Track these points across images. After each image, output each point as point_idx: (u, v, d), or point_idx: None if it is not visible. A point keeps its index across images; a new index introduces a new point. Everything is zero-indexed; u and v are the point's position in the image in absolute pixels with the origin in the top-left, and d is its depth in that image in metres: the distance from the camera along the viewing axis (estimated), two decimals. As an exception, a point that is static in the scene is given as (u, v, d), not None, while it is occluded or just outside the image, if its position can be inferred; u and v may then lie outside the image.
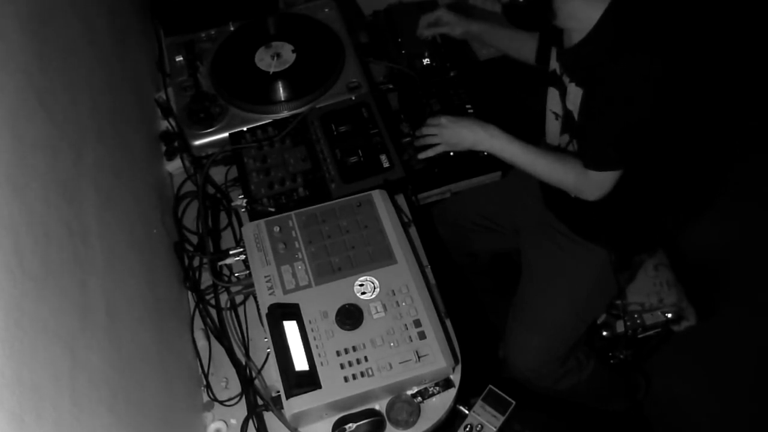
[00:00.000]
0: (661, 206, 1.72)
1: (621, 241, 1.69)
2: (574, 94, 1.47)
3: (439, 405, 1.30)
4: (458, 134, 1.59)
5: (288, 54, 1.76)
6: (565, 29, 1.45)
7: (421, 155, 1.66)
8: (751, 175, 2.62)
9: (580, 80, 1.44)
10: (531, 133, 1.63)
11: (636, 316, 1.87)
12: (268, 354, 1.38)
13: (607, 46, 1.35)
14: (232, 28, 1.87)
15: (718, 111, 2.57)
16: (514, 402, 1.39)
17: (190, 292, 1.51)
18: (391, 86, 1.87)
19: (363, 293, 1.30)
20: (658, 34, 1.33)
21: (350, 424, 1.24)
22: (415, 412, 1.27)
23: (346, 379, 1.20)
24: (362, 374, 1.21)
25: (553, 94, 1.60)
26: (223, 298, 1.49)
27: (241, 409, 1.34)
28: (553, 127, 1.65)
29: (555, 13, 1.37)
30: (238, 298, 1.48)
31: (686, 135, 1.55)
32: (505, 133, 1.57)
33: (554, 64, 1.56)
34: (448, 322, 1.38)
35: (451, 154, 1.66)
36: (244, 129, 1.64)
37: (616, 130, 1.39)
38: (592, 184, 1.49)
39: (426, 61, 1.88)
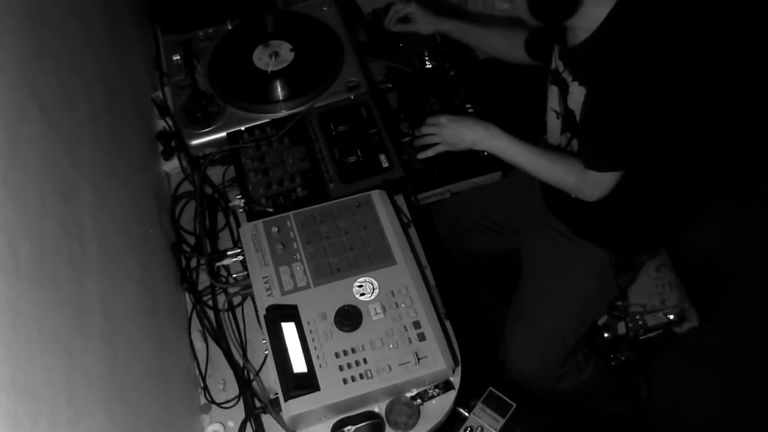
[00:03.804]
0: (661, 207, 1.71)
1: (621, 242, 1.69)
2: (577, 93, 1.46)
3: (438, 407, 1.29)
4: (458, 133, 1.58)
5: (286, 53, 1.75)
6: (570, 27, 1.44)
7: (421, 155, 1.65)
8: (753, 176, 2.62)
9: (584, 80, 1.44)
10: (531, 133, 1.62)
11: (638, 317, 1.86)
12: (266, 356, 1.37)
13: (611, 46, 1.34)
14: (229, 27, 1.85)
15: (719, 111, 2.57)
16: (514, 404, 1.38)
17: (187, 294, 1.50)
18: (390, 85, 1.86)
19: (362, 294, 1.29)
20: (662, 35, 1.33)
21: (349, 427, 1.24)
22: (415, 415, 1.26)
23: (345, 381, 1.19)
24: (361, 376, 1.20)
25: (554, 92, 1.59)
26: (221, 299, 1.47)
27: (239, 412, 1.33)
28: (554, 126, 1.65)
29: (577, 6, 1.34)
30: (236, 300, 1.47)
31: (688, 136, 1.54)
32: (505, 132, 1.56)
33: (556, 62, 1.55)
34: (448, 324, 1.37)
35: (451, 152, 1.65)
36: (242, 128, 1.63)
37: (618, 130, 1.38)
38: (592, 184, 1.48)
39: (426, 60, 1.87)
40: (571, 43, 1.46)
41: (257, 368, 1.36)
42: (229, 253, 1.44)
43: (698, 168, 2.40)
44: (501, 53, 1.81)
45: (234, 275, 1.46)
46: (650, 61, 1.30)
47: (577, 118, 1.50)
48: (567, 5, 1.33)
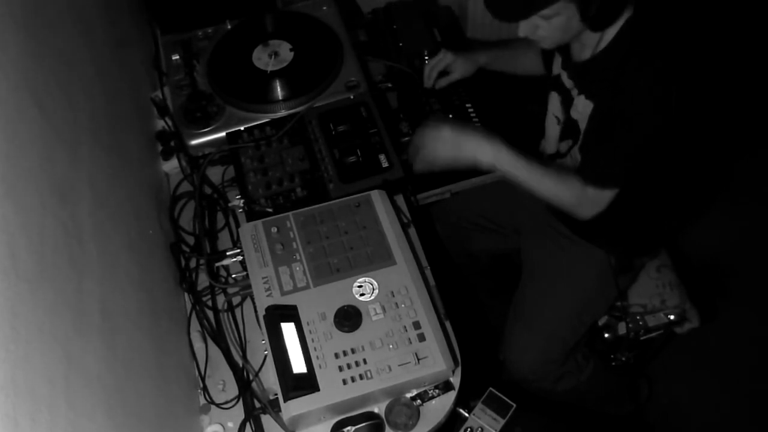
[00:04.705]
0: (661, 208, 1.71)
1: (621, 243, 1.69)
2: (582, 105, 1.46)
3: (438, 408, 1.29)
4: (459, 146, 1.52)
5: (286, 52, 1.75)
6: (577, 41, 1.44)
7: (417, 169, 1.57)
8: (753, 176, 2.62)
9: (592, 93, 1.43)
10: (531, 134, 1.61)
11: (638, 317, 1.86)
12: (266, 356, 1.36)
13: (623, 57, 1.33)
14: (229, 27, 1.85)
15: (719, 112, 2.57)
16: (514, 405, 1.38)
17: (186, 294, 1.49)
18: (390, 85, 1.86)
19: (362, 295, 1.29)
20: (664, 37, 1.32)
21: (349, 427, 1.23)
22: (415, 415, 1.26)
23: (344, 382, 1.19)
24: (361, 377, 1.20)
25: (554, 98, 1.58)
26: (220, 299, 1.47)
27: (239, 412, 1.32)
28: (553, 132, 1.64)
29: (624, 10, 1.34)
30: (236, 300, 1.46)
31: (689, 137, 1.54)
32: (507, 145, 1.47)
33: (557, 70, 1.54)
34: (448, 324, 1.37)
35: None
36: (242, 128, 1.63)
37: (625, 147, 1.37)
38: (590, 202, 1.46)
39: (425, 59, 1.87)
40: (577, 56, 1.45)
41: (257, 369, 1.36)
42: (228, 253, 1.43)
43: (698, 169, 2.40)
44: (532, 69, 1.76)
45: (233, 275, 1.45)
46: (650, 61, 1.30)
47: (581, 127, 1.49)
48: (618, 9, 1.32)
